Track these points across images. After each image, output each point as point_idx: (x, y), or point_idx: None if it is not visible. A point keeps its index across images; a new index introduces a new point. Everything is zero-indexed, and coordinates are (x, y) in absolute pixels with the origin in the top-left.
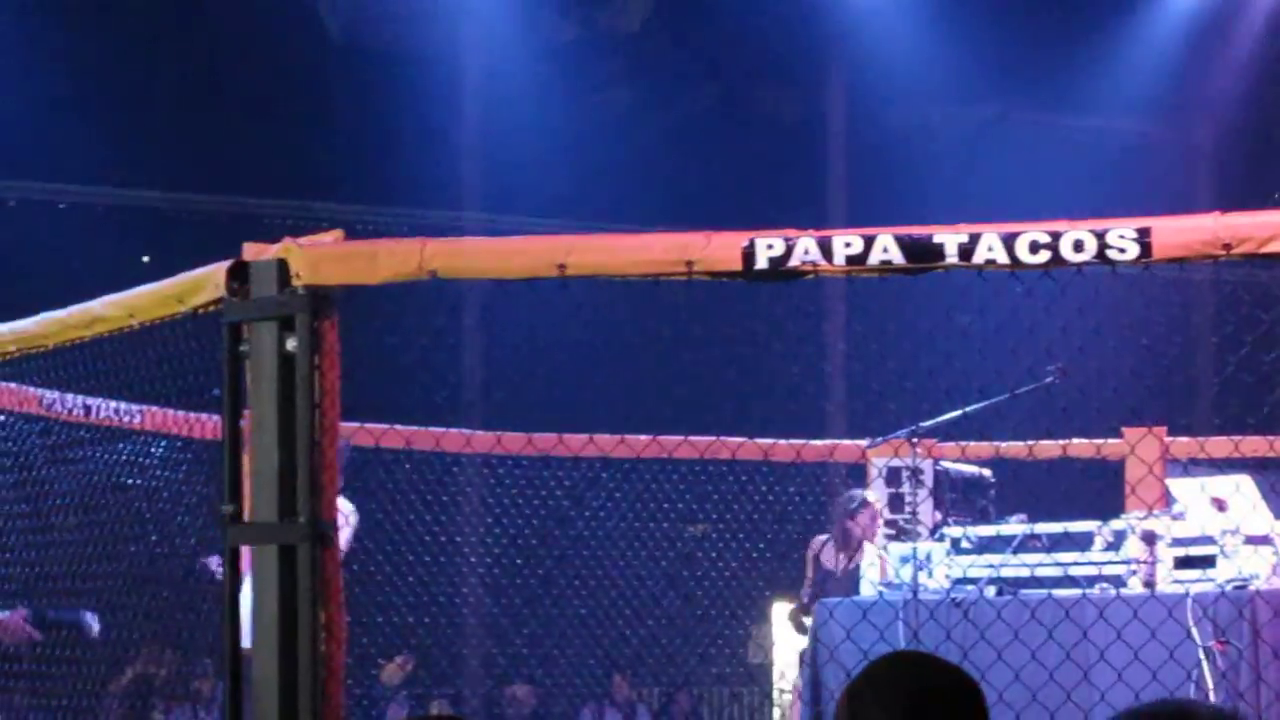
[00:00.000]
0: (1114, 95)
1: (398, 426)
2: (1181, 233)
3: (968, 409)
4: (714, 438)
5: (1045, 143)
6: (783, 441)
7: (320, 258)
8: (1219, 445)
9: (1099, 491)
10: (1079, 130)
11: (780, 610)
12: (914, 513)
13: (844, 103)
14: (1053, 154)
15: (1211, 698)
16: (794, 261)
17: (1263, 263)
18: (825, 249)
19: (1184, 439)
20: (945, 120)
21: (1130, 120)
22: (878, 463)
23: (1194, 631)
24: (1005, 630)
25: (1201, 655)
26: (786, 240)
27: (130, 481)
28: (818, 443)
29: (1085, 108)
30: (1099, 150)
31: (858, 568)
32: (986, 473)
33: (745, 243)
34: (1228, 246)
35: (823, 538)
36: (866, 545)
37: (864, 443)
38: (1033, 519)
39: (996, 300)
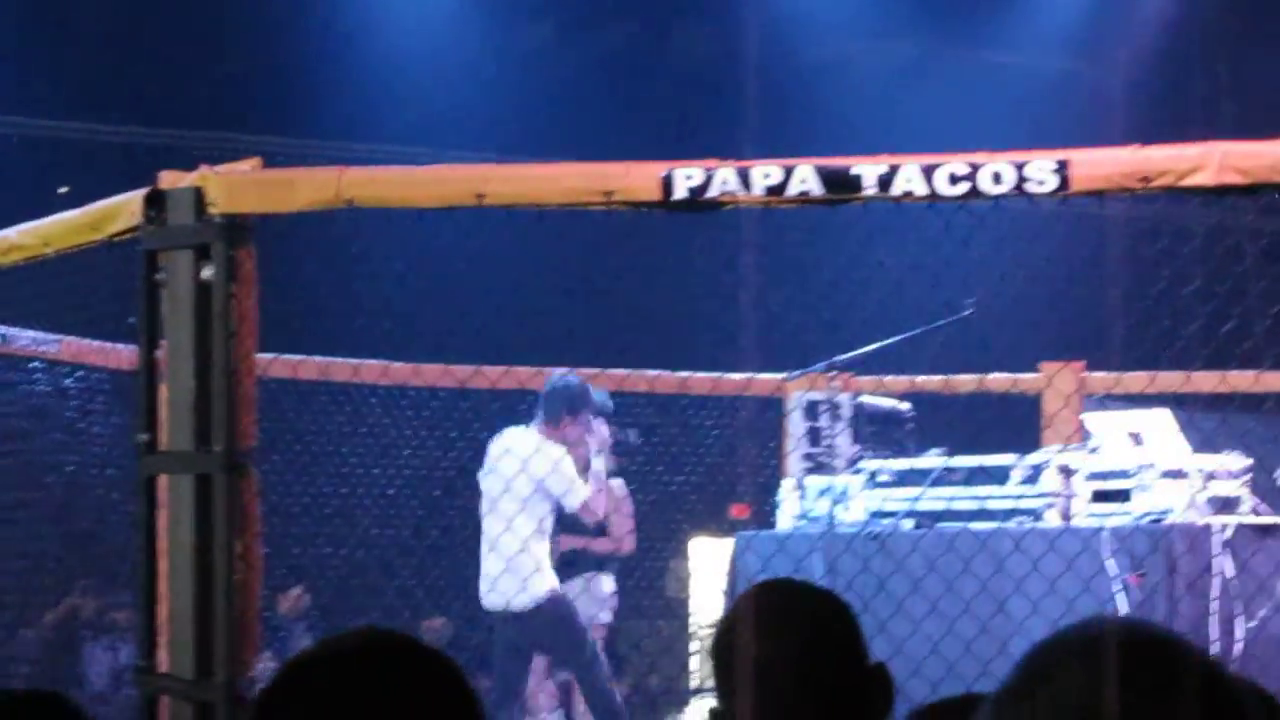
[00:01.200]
0: (1035, 31)
1: (315, 357)
2: (1100, 165)
3: (885, 342)
4: (631, 370)
5: (966, 79)
6: (699, 374)
7: (237, 186)
8: (1135, 380)
9: (1016, 426)
10: (1000, 67)
11: (698, 545)
12: (831, 446)
13: (763, 37)
14: (974, 91)
15: None
16: (713, 192)
17: (1180, 197)
18: (744, 179)
19: (1101, 374)
20: (865, 56)
21: (1051, 56)
22: (796, 396)
23: (1109, 564)
24: (922, 562)
25: (1117, 588)
26: (706, 170)
27: (50, 412)
28: (734, 375)
29: (1007, 44)
30: (1020, 87)
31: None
32: (904, 406)
33: (664, 172)
34: (1146, 179)
35: None
36: (784, 481)
37: (781, 376)
38: (950, 453)
39: (915, 233)
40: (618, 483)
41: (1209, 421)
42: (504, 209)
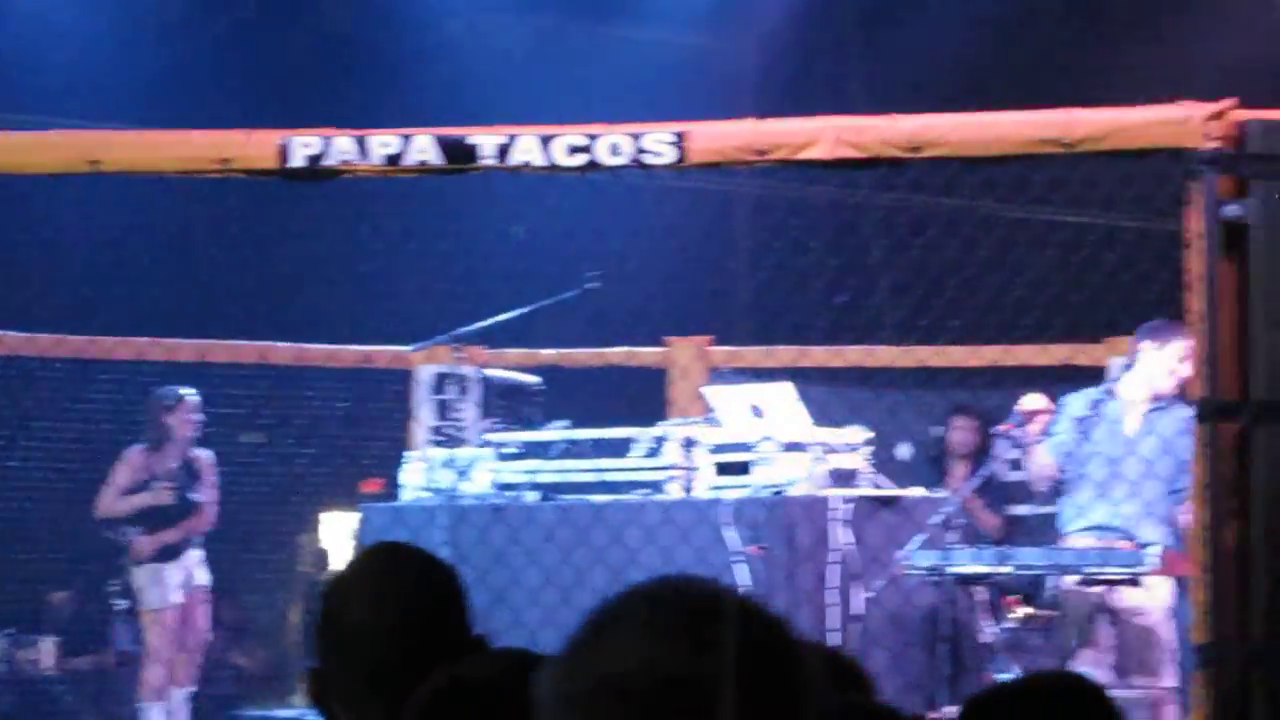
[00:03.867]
0: (674, 6)
1: None
2: (717, 138)
3: (509, 315)
4: (244, 341)
5: (603, 54)
6: (317, 345)
7: None
8: (755, 355)
9: (643, 400)
10: (637, 42)
11: (329, 520)
12: (459, 419)
13: (393, 9)
14: (611, 66)
15: None
16: (330, 161)
17: (799, 173)
18: (362, 148)
19: (723, 348)
20: (496, 29)
21: (687, 32)
22: (423, 369)
23: (728, 536)
24: (541, 534)
25: (736, 559)
26: (323, 139)
27: None
28: (355, 347)
29: (643, 18)
30: (657, 62)
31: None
32: (532, 379)
33: (281, 141)
34: (762, 152)
35: (139, 446)
36: (408, 454)
37: (406, 349)
38: (578, 426)
39: (543, 205)
40: (207, 454)
41: (824, 395)
42: (120, 175)
